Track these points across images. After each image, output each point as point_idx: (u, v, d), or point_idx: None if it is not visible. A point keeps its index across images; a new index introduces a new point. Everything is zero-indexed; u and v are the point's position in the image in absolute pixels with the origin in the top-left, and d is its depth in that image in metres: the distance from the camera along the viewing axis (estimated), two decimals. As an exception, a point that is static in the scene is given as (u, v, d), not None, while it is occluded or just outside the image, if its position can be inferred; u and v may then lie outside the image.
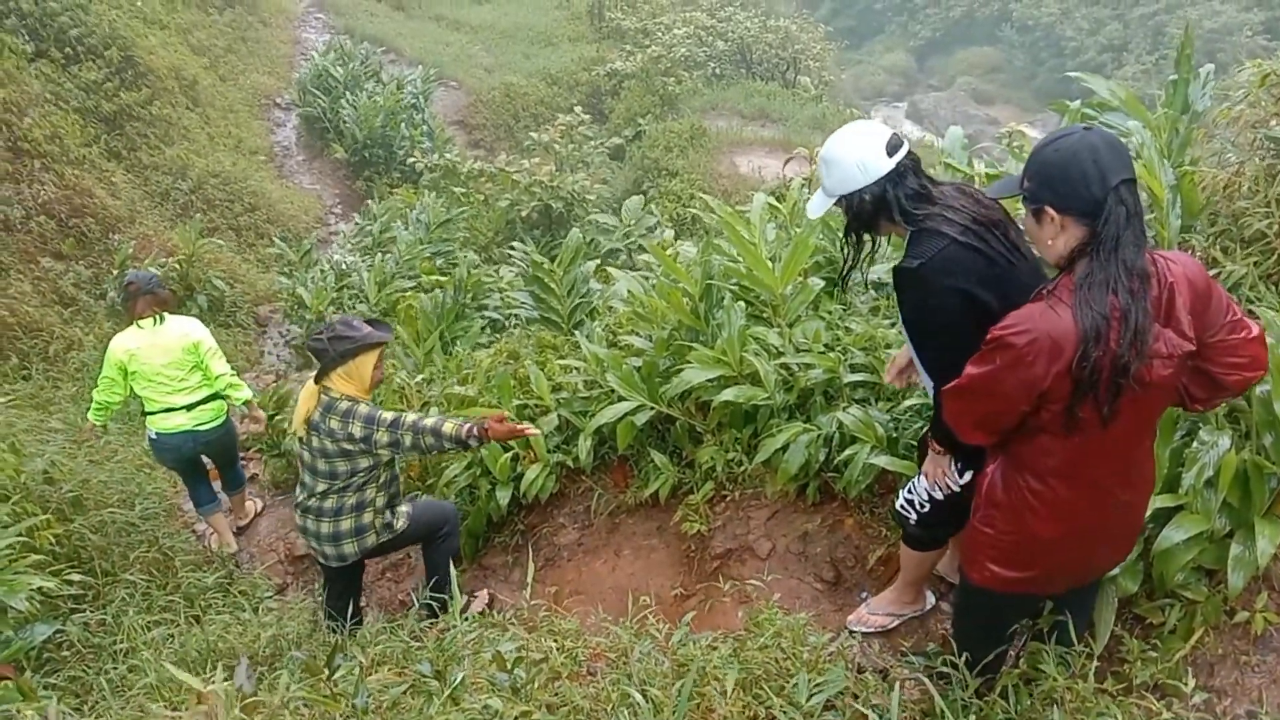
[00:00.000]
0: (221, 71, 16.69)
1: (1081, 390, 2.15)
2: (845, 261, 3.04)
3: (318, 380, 3.94)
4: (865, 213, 2.75)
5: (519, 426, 3.96)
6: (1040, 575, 2.53)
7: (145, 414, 5.39)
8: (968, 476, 2.92)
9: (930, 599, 3.72)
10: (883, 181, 2.67)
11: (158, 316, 5.28)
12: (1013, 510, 2.43)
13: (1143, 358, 2.11)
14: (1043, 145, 2.24)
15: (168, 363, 5.23)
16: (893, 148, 2.68)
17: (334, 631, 4.09)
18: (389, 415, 3.90)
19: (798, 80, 24.97)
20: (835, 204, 2.81)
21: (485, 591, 4.78)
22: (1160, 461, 3.01)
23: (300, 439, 4.02)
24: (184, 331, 5.29)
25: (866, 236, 2.91)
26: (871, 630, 3.65)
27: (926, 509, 3.12)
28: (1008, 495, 2.43)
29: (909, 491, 3.20)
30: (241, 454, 7.30)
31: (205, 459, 5.80)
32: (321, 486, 4.00)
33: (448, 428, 3.89)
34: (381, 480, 4.10)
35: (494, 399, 5.15)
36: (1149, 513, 2.99)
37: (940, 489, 3.01)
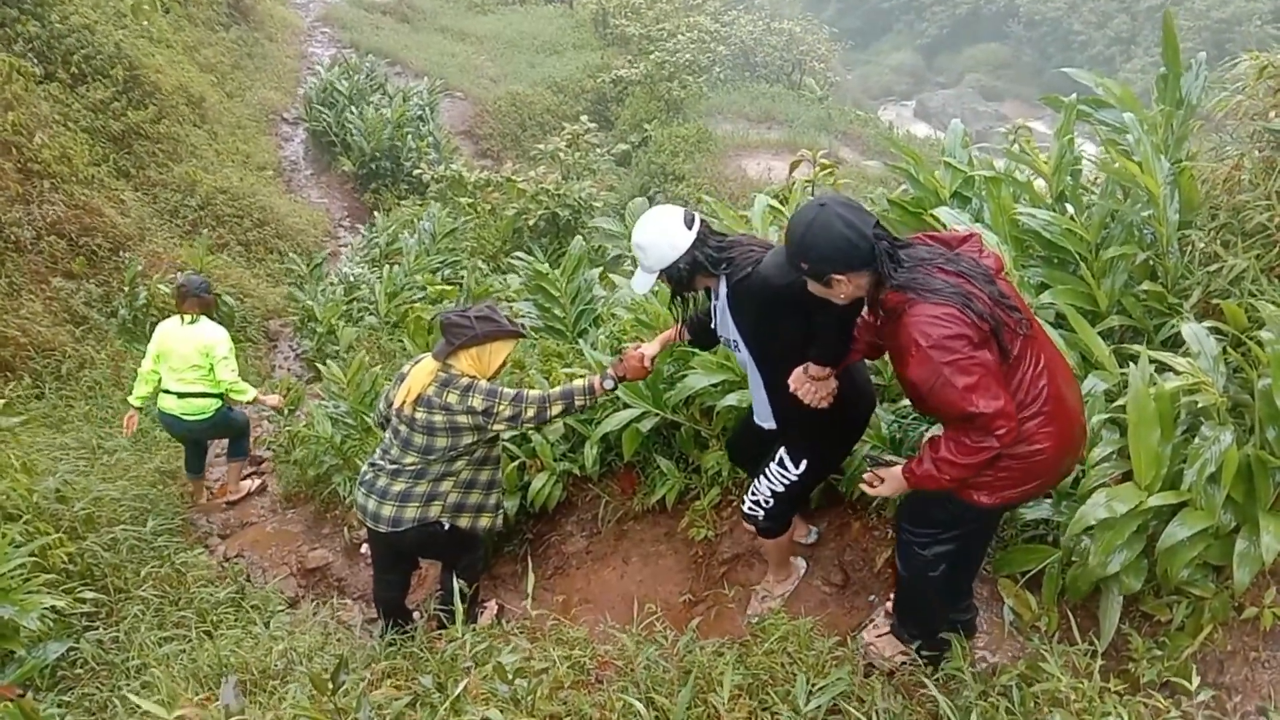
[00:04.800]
0: (228, 88, 16.77)
1: (998, 333, 2.56)
2: (678, 316, 3.73)
3: (444, 356, 3.94)
4: (685, 277, 3.32)
5: (646, 361, 3.90)
6: (1050, 481, 2.90)
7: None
8: (803, 465, 3.44)
9: (801, 564, 4.10)
10: (691, 250, 3.24)
11: (195, 316, 6.17)
12: (1012, 453, 2.70)
13: (994, 281, 2.63)
14: (798, 231, 2.69)
15: (181, 354, 6.08)
16: (689, 221, 3.27)
17: (392, 628, 4.11)
18: (510, 390, 3.94)
19: (803, 82, 24.95)
20: (658, 279, 3.38)
21: (494, 602, 4.79)
22: (1161, 458, 3.01)
23: (398, 414, 4.01)
24: (210, 336, 6.14)
25: (688, 295, 3.51)
26: (759, 617, 3.81)
27: (771, 504, 3.59)
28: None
29: (752, 494, 3.65)
30: (258, 464, 7.45)
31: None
32: (411, 458, 3.99)
33: (577, 384, 4.01)
34: (476, 456, 4.09)
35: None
36: (1152, 509, 3.01)
37: (774, 484, 3.52)
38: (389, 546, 4.23)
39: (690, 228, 3.25)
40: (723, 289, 3.34)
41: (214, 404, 6.25)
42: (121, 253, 10.12)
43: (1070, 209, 3.87)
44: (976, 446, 2.57)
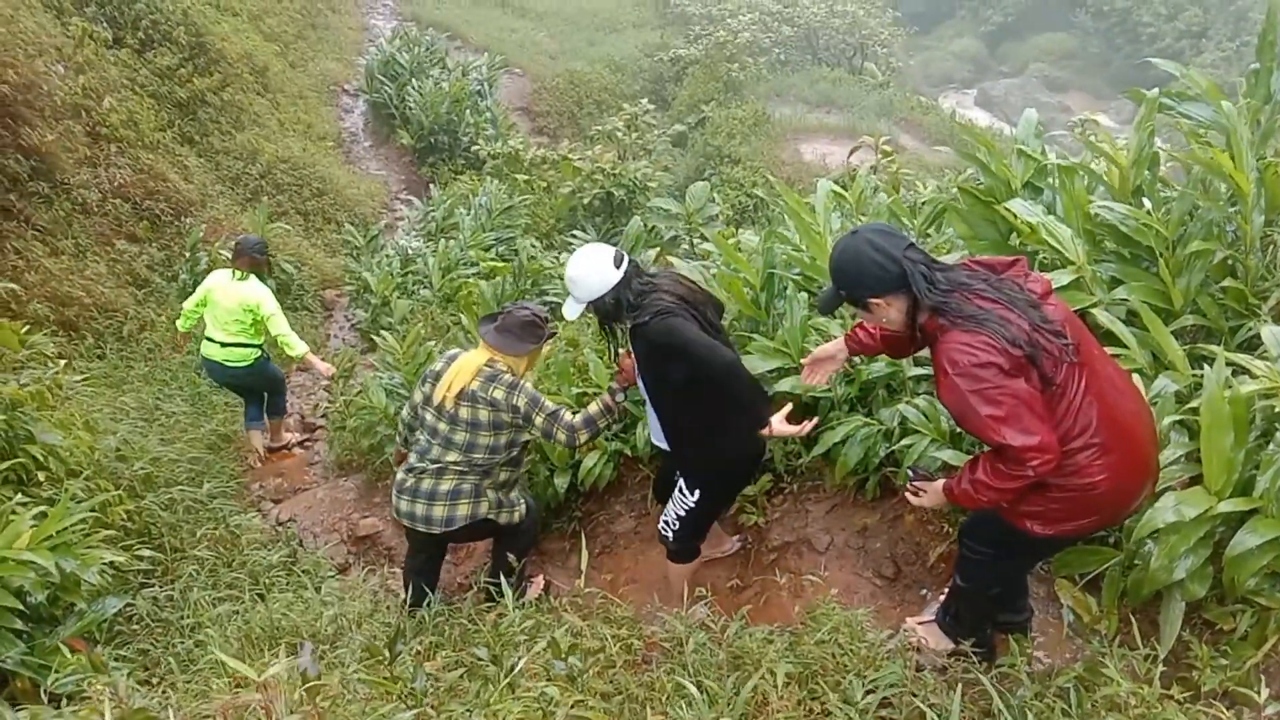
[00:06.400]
0: (291, 58, 16.94)
1: (1037, 361, 2.50)
2: (609, 346, 4.03)
3: (518, 353, 4.06)
4: (610, 310, 3.64)
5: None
6: (1108, 517, 2.81)
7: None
8: (697, 494, 3.74)
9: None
10: (617, 287, 3.56)
11: (244, 273, 6.45)
12: (1063, 485, 2.65)
13: (1038, 307, 2.58)
14: (833, 261, 2.80)
15: (226, 307, 6.43)
16: (617, 261, 3.59)
17: (414, 604, 4.14)
18: (551, 405, 4.00)
19: (864, 66, 24.63)
20: (586, 309, 3.67)
21: (541, 577, 4.81)
22: (1234, 463, 2.93)
23: (437, 410, 4.05)
24: (254, 295, 6.42)
25: (614, 326, 3.81)
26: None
27: (677, 527, 3.86)
28: (1059, 473, 2.60)
29: (664, 515, 3.93)
30: (311, 432, 7.62)
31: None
32: (453, 456, 4.02)
33: (593, 409, 4.04)
34: (513, 458, 4.17)
35: (553, 386, 5.17)
36: (1221, 515, 2.93)
37: (679, 509, 3.81)
38: (435, 542, 4.29)
39: (618, 267, 3.57)
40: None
41: (254, 353, 6.65)
42: (184, 218, 10.28)
43: (1148, 204, 3.77)
44: (1011, 473, 2.55)
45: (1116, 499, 2.69)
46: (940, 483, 2.92)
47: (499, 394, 3.91)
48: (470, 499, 4.05)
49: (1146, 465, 2.72)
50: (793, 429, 3.55)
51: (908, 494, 3.11)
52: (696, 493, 3.74)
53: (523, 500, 4.34)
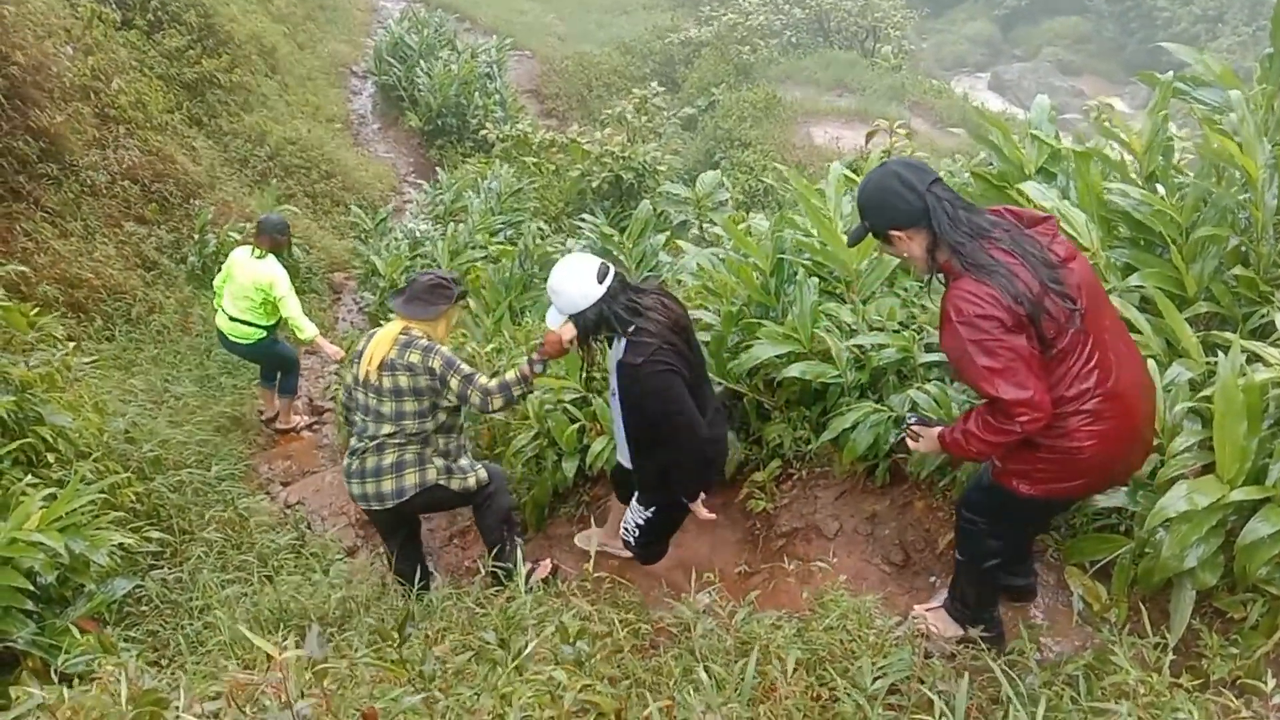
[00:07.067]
0: (300, 39, 16.90)
1: (1037, 321, 2.52)
2: (583, 362, 4.06)
3: (430, 318, 4.09)
4: (590, 326, 3.53)
5: (564, 341, 3.86)
6: (1096, 483, 2.90)
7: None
8: (651, 511, 3.81)
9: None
10: (599, 303, 3.45)
11: (263, 251, 6.53)
12: (1051, 445, 2.70)
13: (1055, 268, 2.58)
14: (860, 189, 2.80)
15: (240, 283, 6.54)
16: (601, 275, 3.48)
17: (404, 595, 4.14)
18: (467, 368, 4.02)
19: (877, 49, 24.47)
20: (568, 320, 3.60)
21: (548, 560, 4.81)
22: (1247, 452, 2.91)
23: (364, 386, 4.06)
24: (267, 274, 6.48)
25: (594, 342, 3.73)
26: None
27: (638, 534, 3.93)
28: (1048, 434, 2.67)
29: (625, 519, 3.99)
30: (319, 414, 7.65)
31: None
32: (387, 429, 4.04)
33: (510, 376, 4.05)
34: (444, 423, 4.17)
35: (561, 370, 5.16)
36: (1233, 504, 2.91)
37: (637, 518, 3.88)
38: (398, 517, 4.30)
39: (601, 282, 3.47)
40: (619, 348, 3.53)
41: (258, 334, 6.73)
42: (192, 200, 10.26)
43: (1161, 190, 3.74)
44: (1000, 427, 2.61)
45: (1102, 465, 2.74)
46: (935, 430, 2.99)
47: (415, 357, 3.95)
48: (415, 468, 4.09)
49: (1136, 436, 2.77)
50: (703, 511, 3.76)
51: (906, 438, 3.17)
52: (652, 510, 3.82)
53: (479, 467, 4.37)
